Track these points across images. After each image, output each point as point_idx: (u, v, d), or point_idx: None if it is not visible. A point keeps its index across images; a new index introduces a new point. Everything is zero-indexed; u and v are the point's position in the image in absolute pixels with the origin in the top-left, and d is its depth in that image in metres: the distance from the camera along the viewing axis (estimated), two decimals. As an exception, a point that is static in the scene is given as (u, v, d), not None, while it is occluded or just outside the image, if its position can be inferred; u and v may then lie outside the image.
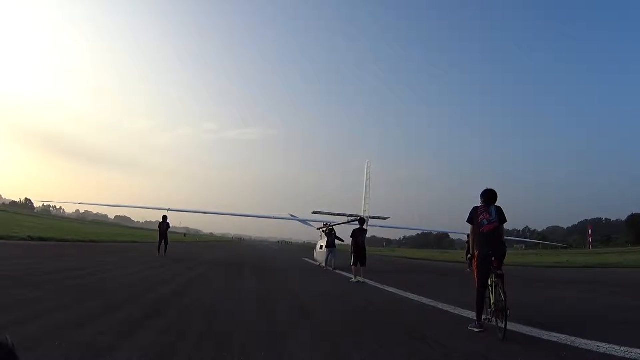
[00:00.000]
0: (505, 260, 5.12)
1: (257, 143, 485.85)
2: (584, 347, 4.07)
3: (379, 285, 10.25)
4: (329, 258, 16.45)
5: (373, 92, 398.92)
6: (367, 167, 20.88)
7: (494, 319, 4.76)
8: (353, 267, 11.69)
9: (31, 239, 18.87)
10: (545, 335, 4.59)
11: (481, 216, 5.12)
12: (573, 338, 4.35)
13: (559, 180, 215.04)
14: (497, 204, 5.25)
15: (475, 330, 4.88)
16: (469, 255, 5.57)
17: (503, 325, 4.45)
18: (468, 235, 5.78)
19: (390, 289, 9.45)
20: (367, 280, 11.05)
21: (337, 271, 14.93)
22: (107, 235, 33.16)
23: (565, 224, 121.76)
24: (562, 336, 4.46)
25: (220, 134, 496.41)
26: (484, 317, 4.98)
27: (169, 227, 18.36)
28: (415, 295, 8.15)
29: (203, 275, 11.37)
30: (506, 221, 5.15)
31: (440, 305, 6.90)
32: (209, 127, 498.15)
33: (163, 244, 17.50)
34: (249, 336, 4.34)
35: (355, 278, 11.22)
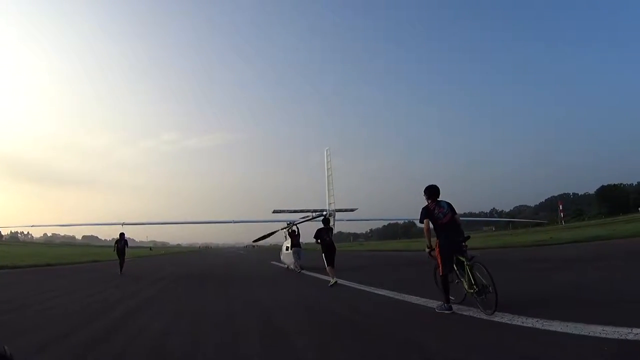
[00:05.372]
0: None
1: (218, 148, 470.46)
2: (593, 333, 3.80)
3: (360, 287, 9.31)
4: (296, 259, 15.74)
5: (330, 84, 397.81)
6: (327, 155, 19.51)
7: (476, 299, 5.10)
8: (328, 268, 10.62)
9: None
10: (546, 324, 4.29)
11: (435, 211, 5.60)
12: (577, 324, 4.12)
13: (521, 160, 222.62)
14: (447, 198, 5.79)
15: (446, 312, 5.29)
16: (428, 249, 5.77)
17: (491, 304, 4.82)
18: None
19: (374, 290, 8.56)
20: (338, 280, 10.08)
21: (307, 272, 14.09)
22: (69, 257, 31.81)
23: (532, 202, 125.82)
24: (559, 323, 4.24)
25: (181, 144, 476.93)
26: (457, 300, 5.50)
27: (127, 243, 17.01)
28: (401, 295, 7.38)
29: (160, 292, 10.24)
30: (456, 212, 5.73)
31: (430, 304, 6.12)
32: (169, 137, 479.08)
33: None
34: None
35: (333, 279, 10.13)
